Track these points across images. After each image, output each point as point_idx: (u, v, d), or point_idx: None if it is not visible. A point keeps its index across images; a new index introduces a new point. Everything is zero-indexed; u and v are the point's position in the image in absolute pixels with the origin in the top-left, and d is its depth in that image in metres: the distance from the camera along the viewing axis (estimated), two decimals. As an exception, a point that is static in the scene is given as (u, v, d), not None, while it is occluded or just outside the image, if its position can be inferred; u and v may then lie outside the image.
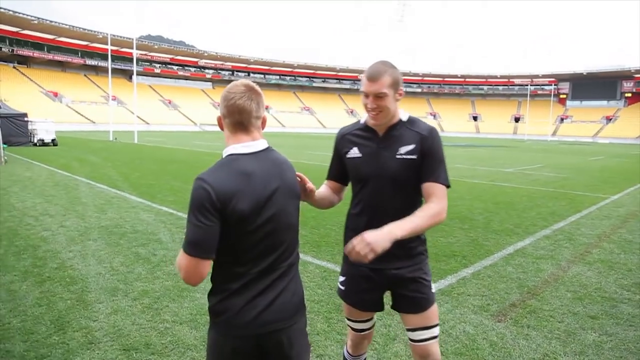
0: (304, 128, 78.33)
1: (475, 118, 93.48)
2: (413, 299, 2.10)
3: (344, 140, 2.15)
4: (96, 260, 4.99)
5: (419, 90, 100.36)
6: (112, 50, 42.71)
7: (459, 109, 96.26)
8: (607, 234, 6.99)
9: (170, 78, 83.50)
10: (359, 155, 2.06)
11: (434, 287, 4.36)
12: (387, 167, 2.02)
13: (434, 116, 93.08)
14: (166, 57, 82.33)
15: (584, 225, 7.55)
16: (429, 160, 1.99)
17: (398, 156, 2.01)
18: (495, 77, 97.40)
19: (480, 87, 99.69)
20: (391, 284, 2.11)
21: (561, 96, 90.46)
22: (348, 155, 2.11)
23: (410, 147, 2.01)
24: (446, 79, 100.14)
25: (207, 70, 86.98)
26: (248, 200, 1.51)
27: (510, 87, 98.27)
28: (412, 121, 2.10)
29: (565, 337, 3.52)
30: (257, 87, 1.65)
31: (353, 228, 2.10)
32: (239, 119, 1.60)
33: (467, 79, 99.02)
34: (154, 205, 8.17)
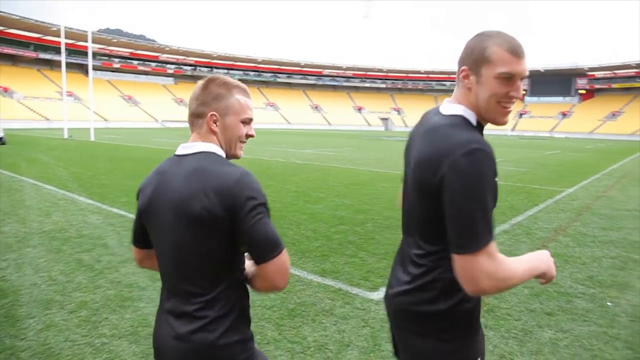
0: (268, 124, 77.71)
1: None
2: None
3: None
4: (33, 269, 4.63)
5: (384, 85, 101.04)
6: (67, 44, 40.96)
7: (422, 105, 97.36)
8: (563, 228, 7.08)
9: (130, 73, 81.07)
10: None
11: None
12: None
13: (398, 112, 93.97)
14: (125, 51, 79.85)
15: (541, 219, 7.63)
16: None
17: None
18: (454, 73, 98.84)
19: (443, 82, 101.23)
20: None
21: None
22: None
23: None
24: (410, 75, 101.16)
25: (168, 66, 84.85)
26: (144, 198, 1.45)
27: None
28: None
29: (522, 336, 3.47)
30: (208, 82, 1.49)
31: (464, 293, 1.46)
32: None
33: (430, 75, 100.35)
34: (104, 206, 7.77)
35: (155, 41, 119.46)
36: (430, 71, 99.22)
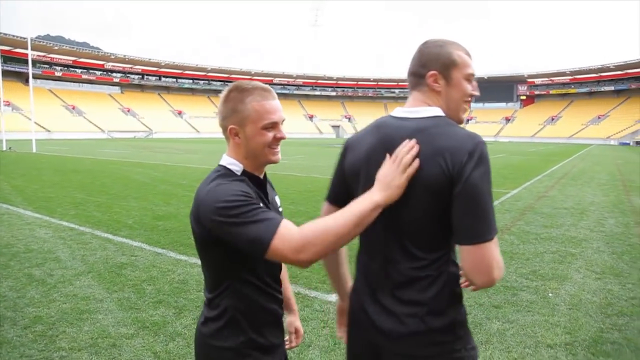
0: (219, 133, 76.61)
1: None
2: None
3: None
4: (-20, 286, 4.45)
5: (334, 93, 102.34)
6: (3, 51, 39.02)
7: (372, 112, 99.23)
8: (508, 227, 7.49)
9: (74, 82, 78.09)
10: None
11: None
12: None
13: (349, 119, 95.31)
14: (68, 59, 76.85)
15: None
16: None
17: None
18: (405, 81, 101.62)
19: (392, 90, 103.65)
20: None
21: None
22: None
23: None
24: (360, 83, 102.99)
25: (114, 74, 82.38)
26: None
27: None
28: None
29: (473, 328, 3.67)
30: (228, 92, 1.48)
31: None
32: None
33: (379, 83, 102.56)
34: (53, 220, 7.51)
35: (100, 49, 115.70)
36: (379, 79, 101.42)
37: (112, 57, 79.14)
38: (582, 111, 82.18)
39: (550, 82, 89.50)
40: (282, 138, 1.47)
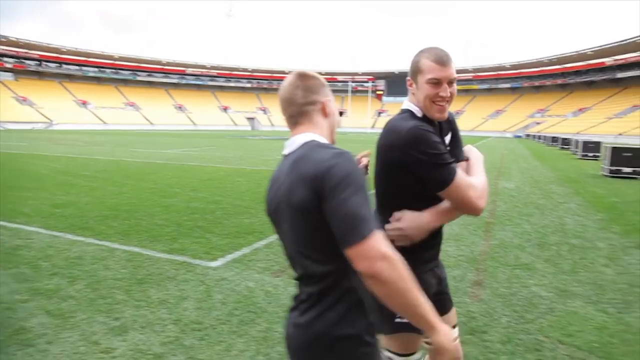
0: (128, 125, 73.65)
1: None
2: (445, 299, 2.07)
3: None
4: None
5: (249, 85, 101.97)
6: None
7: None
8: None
9: (-42, 68, 71.04)
10: None
11: (231, 258, 5.13)
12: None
13: (264, 111, 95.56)
14: (-49, 42, 69.71)
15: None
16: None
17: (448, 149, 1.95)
18: (320, 73, 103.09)
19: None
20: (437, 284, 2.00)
21: (378, 92, 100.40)
22: None
23: (449, 135, 1.99)
24: (275, 75, 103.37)
25: (6, 59, 75.91)
26: (267, 203, 1.53)
27: (334, 83, 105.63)
28: None
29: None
30: (308, 72, 1.56)
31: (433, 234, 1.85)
32: (283, 111, 1.56)
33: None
34: (-58, 210, 7.46)
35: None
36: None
37: (4, 39, 72.80)
38: (482, 106, 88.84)
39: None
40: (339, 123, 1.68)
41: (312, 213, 1.29)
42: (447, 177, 1.67)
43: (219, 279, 4.54)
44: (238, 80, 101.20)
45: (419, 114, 1.80)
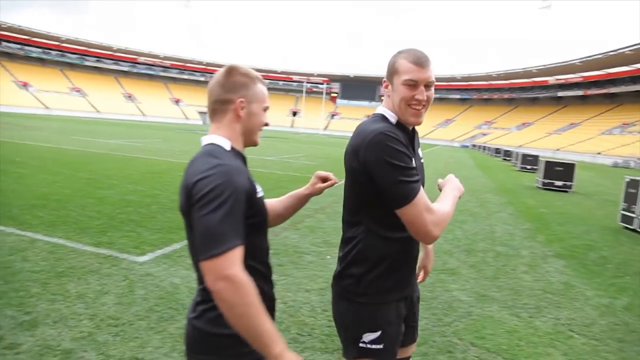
0: (73, 111, 70.45)
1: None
2: (415, 325, 1.90)
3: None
4: None
5: (203, 78, 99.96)
6: None
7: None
8: (323, 208, 8.68)
9: None
10: (414, 164, 1.61)
11: (160, 253, 5.01)
12: (423, 178, 1.77)
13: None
14: None
15: (310, 202, 9.14)
16: None
17: (422, 161, 1.84)
18: (276, 72, 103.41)
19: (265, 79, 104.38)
20: (408, 310, 1.81)
21: (332, 95, 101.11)
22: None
23: (420, 150, 1.88)
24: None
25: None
26: None
27: (289, 82, 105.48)
28: None
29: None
30: (231, 70, 1.50)
31: (402, 257, 1.70)
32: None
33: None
34: None
35: None
36: (253, 68, 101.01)
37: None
38: (433, 114, 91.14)
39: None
40: (268, 124, 1.57)
41: (189, 218, 1.34)
42: (406, 196, 1.50)
43: (144, 274, 4.43)
44: (192, 73, 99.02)
45: (392, 119, 1.66)
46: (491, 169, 23.33)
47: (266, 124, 1.55)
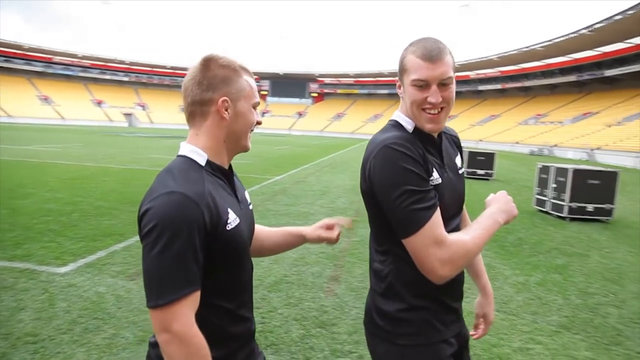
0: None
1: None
2: None
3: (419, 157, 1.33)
4: None
5: (127, 79, 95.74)
6: None
7: (169, 101, 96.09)
8: (255, 206, 8.64)
9: None
10: (440, 180, 1.36)
11: (83, 262, 4.80)
12: (460, 192, 1.50)
13: (143, 107, 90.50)
14: None
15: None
16: None
17: (460, 172, 1.52)
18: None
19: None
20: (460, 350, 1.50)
21: (263, 92, 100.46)
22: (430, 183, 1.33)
23: (459, 158, 1.56)
24: (155, 70, 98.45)
25: None
26: None
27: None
28: None
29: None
30: (215, 59, 1.24)
31: (442, 289, 1.36)
32: None
33: (177, 71, 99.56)
34: None
35: None
36: (176, 67, 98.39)
37: None
38: (363, 110, 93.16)
39: (337, 82, 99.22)
40: (260, 123, 1.34)
41: None
42: (409, 225, 1.25)
43: (66, 285, 4.21)
44: (115, 73, 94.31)
45: (408, 126, 1.39)
46: (419, 161, 24.19)
47: (258, 123, 1.32)
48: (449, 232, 1.29)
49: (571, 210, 8.79)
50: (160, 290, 1.06)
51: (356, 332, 3.56)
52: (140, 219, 1.12)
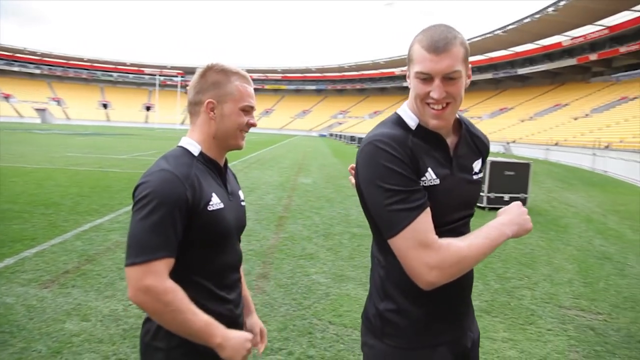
0: None
1: (105, 105, 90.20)
2: None
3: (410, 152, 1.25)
4: None
5: (39, 71, 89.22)
6: None
7: (87, 95, 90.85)
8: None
9: None
10: (437, 181, 1.28)
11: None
12: (469, 197, 1.40)
13: (58, 102, 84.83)
14: None
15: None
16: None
17: (475, 177, 1.40)
18: (125, 64, 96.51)
19: (110, 73, 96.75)
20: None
21: (188, 88, 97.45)
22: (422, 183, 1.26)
23: (479, 162, 1.43)
24: (71, 62, 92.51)
25: None
26: None
27: (140, 75, 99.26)
28: (466, 120, 1.44)
29: (104, 287, 4.21)
30: (206, 69, 1.43)
31: (440, 293, 1.26)
32: None
33: (95, 64, 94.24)
34: None
35: None
36: (94, 60, 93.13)
37: None
38: (291, 106, 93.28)
39: (265, 77, 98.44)
40: (254, 125, 1.47)
41: None
42: (392, 225, 1.19)
43: (-31, 296, 3.83)
44: (24, 65, 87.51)
45: (411, 121, 1.30)
46: (346, 156, 24.59)
47: (252, 125, 1.45)
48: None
49: (489, 201, 9.31)
50: (139, 250, 1.20)
51: (285, 329, 3.54)
52: (134, 191, 1.28)
